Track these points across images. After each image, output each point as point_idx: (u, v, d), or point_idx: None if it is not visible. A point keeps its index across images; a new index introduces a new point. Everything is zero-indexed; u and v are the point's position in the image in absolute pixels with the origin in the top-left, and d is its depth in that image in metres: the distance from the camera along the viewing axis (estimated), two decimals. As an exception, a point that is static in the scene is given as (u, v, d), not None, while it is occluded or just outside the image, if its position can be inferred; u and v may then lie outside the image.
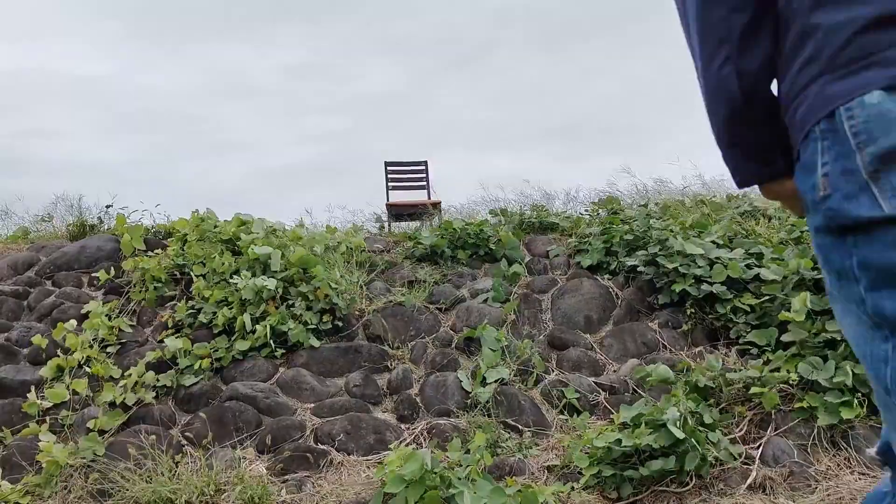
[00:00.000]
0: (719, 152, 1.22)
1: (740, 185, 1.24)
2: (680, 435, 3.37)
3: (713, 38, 1.12)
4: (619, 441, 3.49)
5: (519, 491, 3.20)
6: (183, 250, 5.17)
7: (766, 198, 1.25)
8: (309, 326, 4.69)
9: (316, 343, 4.64)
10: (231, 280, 4.76)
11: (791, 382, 3.89)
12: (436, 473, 3.23)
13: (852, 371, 3.75)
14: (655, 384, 4.19)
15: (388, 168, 8.00)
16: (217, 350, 4.53)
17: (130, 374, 4.29)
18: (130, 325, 4.79)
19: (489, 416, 4.12)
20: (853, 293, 1.01)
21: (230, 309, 4.67)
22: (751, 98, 1.12)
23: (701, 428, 3.59)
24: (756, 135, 1.15)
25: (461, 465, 3.51)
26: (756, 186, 1.24)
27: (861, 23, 1.01)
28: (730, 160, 1.22)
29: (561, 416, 4.19)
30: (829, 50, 1.03)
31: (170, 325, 4.78)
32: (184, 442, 4.04)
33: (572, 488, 3.49)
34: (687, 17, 1.17)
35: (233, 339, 4.59)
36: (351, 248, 5.57)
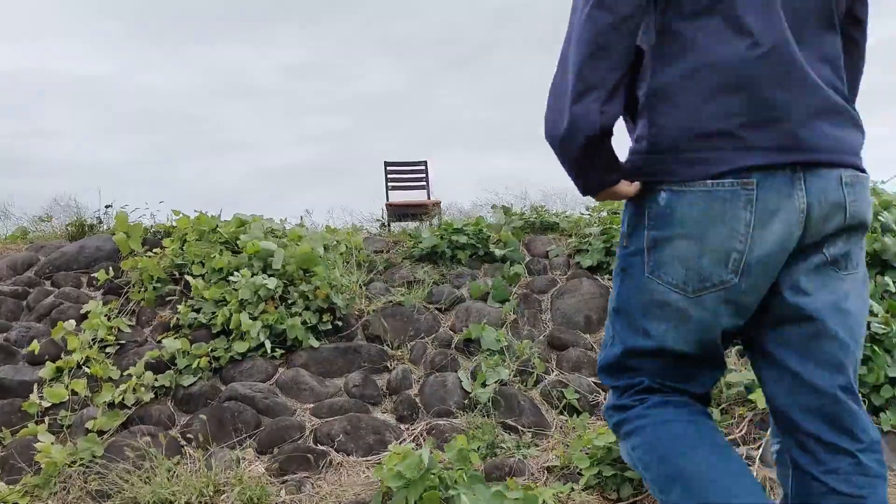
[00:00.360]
0: (563, 165, 1.49)
1: (585, 192, 1.53)
2: None
3: (589, 82, 1.37)
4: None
5: (520, 496, 3.19)
6: (182, 250, 5.16)
7: (597, 199, 1.57)
8: (308, 326, 4.69)
9: (315, 343, 4.63)
10: (230, 279, 4.76)
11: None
12: (434, 474, 3.23)
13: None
14: None
15: (388, 168, 7.99)
16: (216, 350, 4.53)
17: (129, 375, 4.29)
18: (129, 326, 4.79)
19: (489, 416, 4.12)
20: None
21: (229, 308, 4.66)
22: (606, 133, 1.41)
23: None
24: (603, 158, 1.46)
25: (460, 467, 3.51)
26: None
27: (693, 132, 1.39)
28: (577, 174, 1.49)
29: (561, 417, 4.19)
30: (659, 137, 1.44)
31: (171, 326, 4.77)
32: (183, 442, 4.03)
33: (572, 489, 3.48)
34: (571, 42, 1.42)
35: (231, 339, 4.58)
36: (350, 248, 5.57)
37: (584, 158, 1.43)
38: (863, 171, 1.45)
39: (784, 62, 1.35)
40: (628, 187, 1.47)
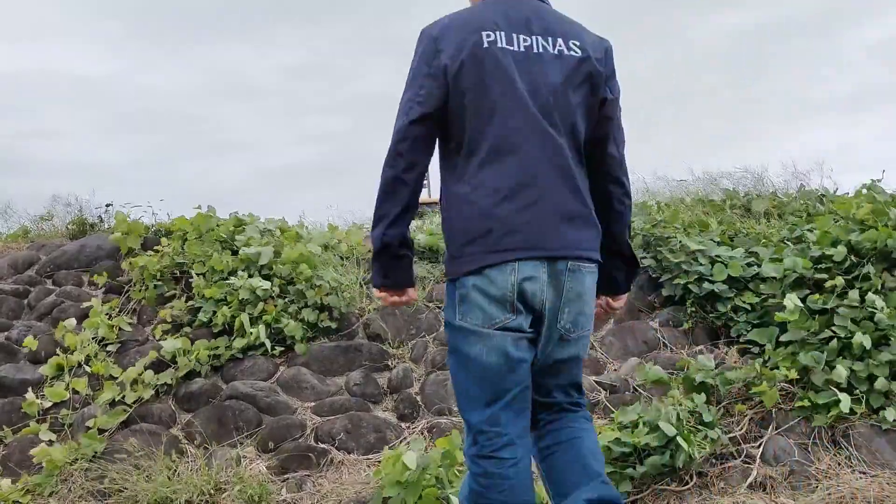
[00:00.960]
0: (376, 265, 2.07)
1: (380, 287, 2.09)
2: (671, 432, 3.36)
3: (379, 211, 1.98)
4: (618, 440, 3.49)
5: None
6: (182, 249, 5.16)
7: (380, 295, 2.13)
8: (306, 324, 4.69)
9: (302, 349, 4.61)
10: (228, 280, 4.77)
11: (791, 381, 3.89)
12: (430, 473, 3.22)
13: (849, 369, 3.75)
14: (650, 385, 4.20)
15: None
16: (217, 349, 4.53)
17: (130, 373, 4.29)
18: (130, 324, 4.79)
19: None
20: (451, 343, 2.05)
21: (229, 308, 4.66)
22: (388, 247, 1.98)
23: (700, 426, 3.59)
24: (397, 264, 2.04)
25: (461, 465, 3.51)
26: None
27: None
28: (379, 271, 2.05)
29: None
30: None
31: (168, 320, 4.78)
32: (184, 441, 4.04)
33: (572, 487, 3.48)
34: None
35: (232, 338, 4.59)
36: (351, 247, 5.57)
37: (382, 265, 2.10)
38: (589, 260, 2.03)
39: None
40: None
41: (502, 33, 1.95)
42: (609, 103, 2.06)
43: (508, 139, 1.92)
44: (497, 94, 1.92)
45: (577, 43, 2.00)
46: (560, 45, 1.98)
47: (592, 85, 2.01)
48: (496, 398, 1.93)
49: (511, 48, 1.95)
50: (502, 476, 1.90)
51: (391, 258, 1.99)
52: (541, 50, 1.97)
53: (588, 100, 2.01)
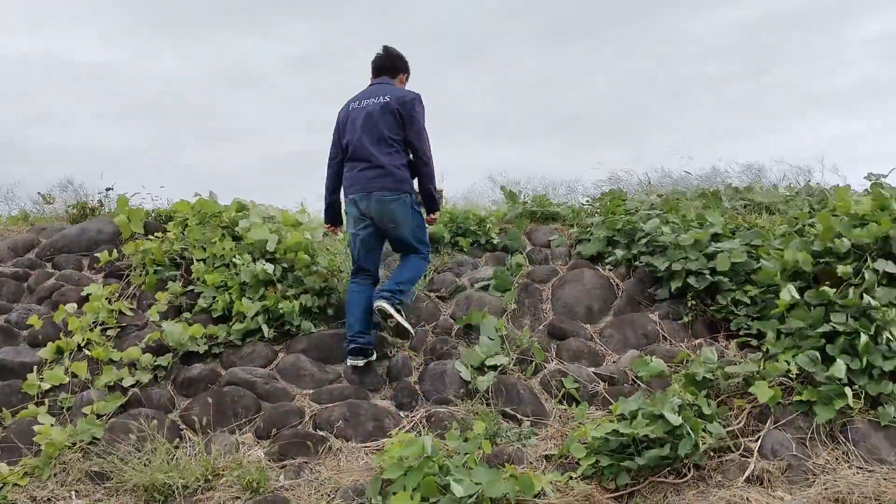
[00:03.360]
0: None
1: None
2: (677, 421, 3.37)
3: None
4: (616, 431, 3.49)
5: (515, 477, 3.21)
6: (184, 234, 5.15)
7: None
8: (306, 308, 4.70)
9: (309, 325, 4.66)
10: (230, 265, 4.76)
11: (790, 375, 3.89)
12: (434, 461, 3.24)
13: (847, 364, 3.74)
14: (649, 378, 4.20)
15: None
16: (216, 335, 4.53)
17: (129, 353, 4.29)
18: (130, 309, 4.79)
19: (488, 404, 4.12)
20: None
21: (229, 293, 4.66)
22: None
23: (699, 419, 3.59)
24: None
25: (459, 454, 3.52)
26: None
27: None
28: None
29: (560, 406, 4.19)
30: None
31: (165, 303, 4.78)
32: (182, 426, 4.04)
33: (570, 477, 3.49)
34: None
35: (231, 323, 4.59)
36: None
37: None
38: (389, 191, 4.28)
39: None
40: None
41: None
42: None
43: None
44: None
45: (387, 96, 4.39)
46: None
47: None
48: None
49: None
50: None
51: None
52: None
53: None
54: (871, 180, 5.27)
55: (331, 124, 4.60)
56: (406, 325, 4.44)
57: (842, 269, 4.08)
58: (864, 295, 3.94)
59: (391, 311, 4.28)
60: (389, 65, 4.58)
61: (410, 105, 4.28)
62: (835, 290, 4.04)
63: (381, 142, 4.23)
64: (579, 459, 3.58)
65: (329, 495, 3.46)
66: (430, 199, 4.48)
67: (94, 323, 4.59)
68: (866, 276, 4.06)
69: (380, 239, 4.46)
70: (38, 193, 6.61)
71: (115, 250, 5.23)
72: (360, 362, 4.33)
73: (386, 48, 4.60)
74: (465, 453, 3.48)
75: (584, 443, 3.65)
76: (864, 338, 3.77)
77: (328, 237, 5.38)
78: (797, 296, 4.05)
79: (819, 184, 6.63)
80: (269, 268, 4.66)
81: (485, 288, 5.15)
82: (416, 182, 4.48)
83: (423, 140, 4.33)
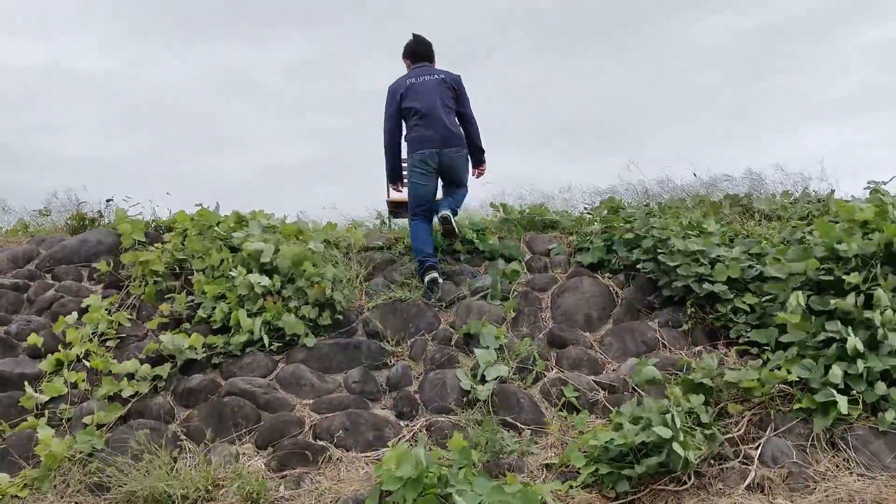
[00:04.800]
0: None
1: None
2: (667, 434, 3.35)
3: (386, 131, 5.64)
4: (613, 440, 3.49)
5: (519, 490, 3.19)
6: (183, 245, 5.16)
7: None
8: (307, 320, 4.69)
9: (311, 342, 4.63)
10: (228, 276, 4.76)
11: (790, 383, 3.88)
12: (432, 472, 3.22)
13: (844, 371, 3.74)
14: (643, 385, 4.19)
15: (389, 164, 7.97)
16: (215, 345, 4.53)
17: (126, 366, 4.29)
18: (130, 320, 4.79)
19: (488, 413, 4.12)
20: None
21: (228, 304, 4.66)
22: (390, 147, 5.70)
23: (697, 427, 3.59)
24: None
25: (454, 467, 3.50)
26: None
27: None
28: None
29: (560, 414, 4.19)
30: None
31: (165, 314, 4.78)
32: (182, 437, 4.04)
33: (571, 486, 3.48)
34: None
35: (230, 334, 4.59)
36: (350, 244, 5.57)
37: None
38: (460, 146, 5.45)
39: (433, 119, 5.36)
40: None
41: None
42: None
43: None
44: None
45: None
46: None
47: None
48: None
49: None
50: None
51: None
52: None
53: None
54: (871, 187, 5.28)
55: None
56: (457, 228, 5.52)
57: (850, 278, 4.05)
58: (875, 302, 3.92)
59: (454, 218, 5.45)
60: (427, 51, 5.65)
61: (459, 81, 5.52)
62: (842, 298, 4.01)
63: (445, 108, 5.37)
64: (579, 468, 3.58)
65: (329, 505, 3.46)
66: (480, 151, 5.60)
67: (93, 334, 4.59)
68: (881, 284, 4.04)
69: (437, 183, 5.54)
70: (36, 210, 6.64)
71: (112, 262, 5.24)
72: (439, 277, 5.21)
73: (418, 37, 5.65)
74: (461, 467, 3.43)
75: (584, 451, 3.65)
76: (850, 342, 3.76)
77: (327, 248, 5.38)
78: (803, 303, 4.05)
79: (816, 191, 6.65)
80: (264, 280, 4.65)
81: (484, 297, 5.16)
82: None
83: (470, 107, 5.56)
